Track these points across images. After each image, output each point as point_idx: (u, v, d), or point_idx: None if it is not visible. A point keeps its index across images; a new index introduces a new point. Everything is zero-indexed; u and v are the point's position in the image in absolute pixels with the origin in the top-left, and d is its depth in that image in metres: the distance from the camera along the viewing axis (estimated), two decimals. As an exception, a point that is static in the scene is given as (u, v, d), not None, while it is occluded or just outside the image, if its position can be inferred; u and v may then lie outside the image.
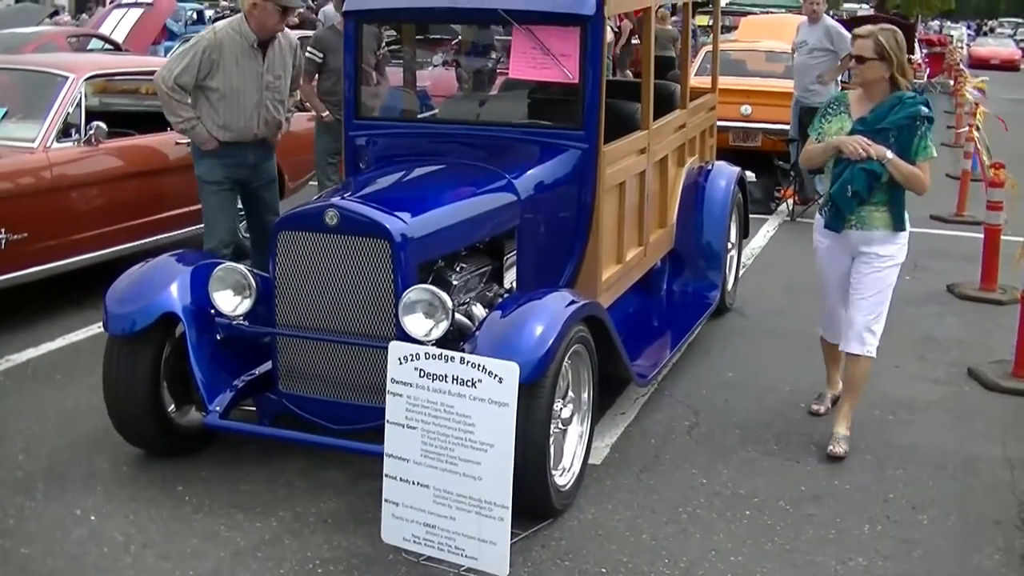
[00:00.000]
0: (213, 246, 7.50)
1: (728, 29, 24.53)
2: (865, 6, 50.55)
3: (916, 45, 27.08)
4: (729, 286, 8.64)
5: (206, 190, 7.65)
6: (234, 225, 7.86)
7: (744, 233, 9.22)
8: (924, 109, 5.90)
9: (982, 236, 9.79)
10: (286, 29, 7.86)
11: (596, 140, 6.26)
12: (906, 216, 6.03)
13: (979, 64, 44.72)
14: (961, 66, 28.64)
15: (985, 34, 64.36)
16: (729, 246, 8.56)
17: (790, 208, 12.74)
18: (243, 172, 7.69)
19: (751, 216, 9.51)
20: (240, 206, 8.08)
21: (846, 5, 50.55)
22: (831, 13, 41.39)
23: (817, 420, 6.61)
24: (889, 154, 5.81)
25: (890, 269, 6.09)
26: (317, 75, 9.98)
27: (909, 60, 19.71)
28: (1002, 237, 9.63)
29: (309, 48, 9.69)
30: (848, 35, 13.02)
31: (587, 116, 6.26)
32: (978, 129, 13.82)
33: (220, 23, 7.69)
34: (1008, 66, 47.88)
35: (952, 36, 43.53)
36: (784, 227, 12.27)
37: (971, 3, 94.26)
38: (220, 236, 7.62)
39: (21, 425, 6.22)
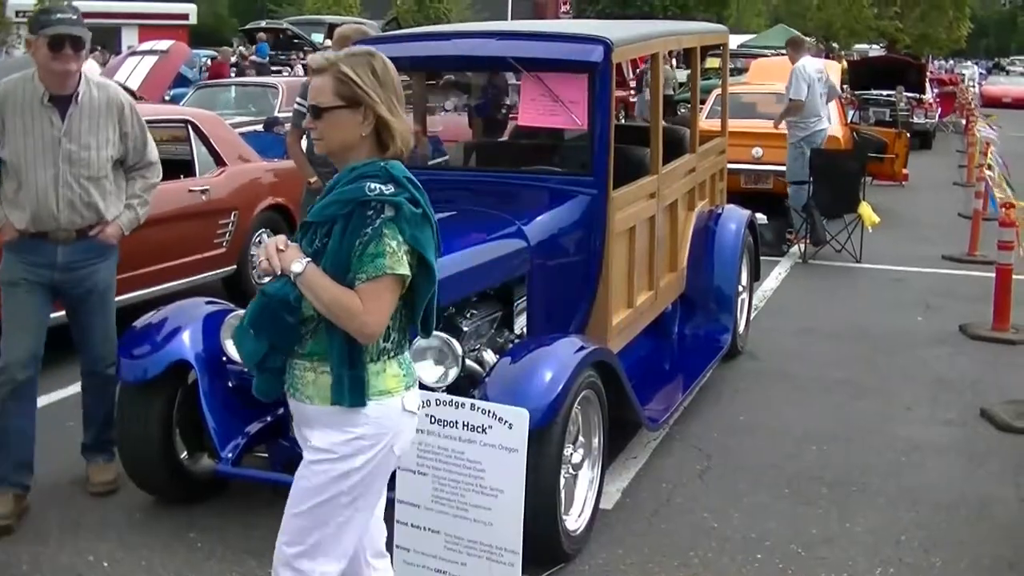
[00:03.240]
0: (2, 366, 5.69)
1: (739, 72, 24.61)
2: (876, 47, 50.74)
3: (927, 85, 27.13)
4: (740, 329, 8.65)
5: (3, 292, 5.82)
6: (34, 341, 5.76)
7: (755, 276, 9.24)
8: (380, 187, 3.47)
9: (994, 276, 9.79)
10: (113, 83, 6.04)
11: (605, 186, 6.30)
12: (372, 381, 3.52)
13: (991, 103, 44.71)
14: (973, 105, 28.73)
15: (997, 72, 64.48)
16: (740, 289, 8.59)
17: (802, 250, 12.76)
18: (49, 275, 5.71)
19: (763, 258, 9.53)
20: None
21: (857, 46, 50.70)
22: (843, 53, 41.54)
23: (829, 463, 6.59)
24: (296, 266, 3.44)
25: (332, 477, 3.54)
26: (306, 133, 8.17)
27: (920, 100, 19.91)
28: (1014, 277, 9.64)
29: (298, 99, 8.21)
30: (803, 73, 13.19)
31: (596, 162, 6.31)
32: (990, 168, 13.86)
33: (15, 75, 5.83)
34: (1020, 104, 47.83)
35: (964, 75, 43.64)
36: (796, 269, 12.28)
37: (982, 42, 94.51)
38: (12, 353, 5.68)
39: (34, 472, 6.23)
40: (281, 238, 3.55)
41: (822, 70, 13.48)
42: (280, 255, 3.46)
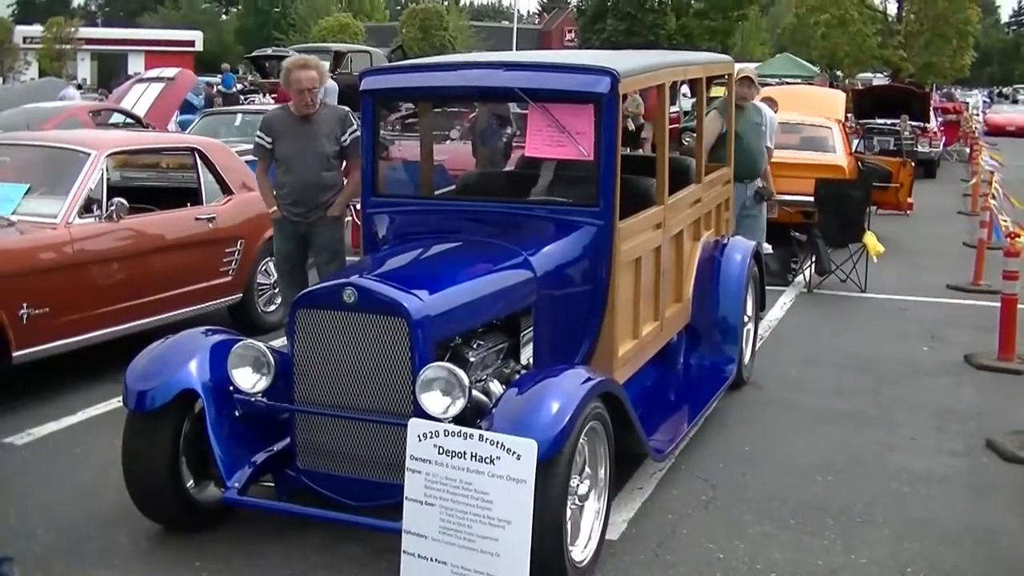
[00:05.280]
0: None
1: (744, 100, 24.62)
2: (880, 75, 50.84)
3: (931, 113, 27.18)
4: (746, 359, 8.63)
5: None
6: None
7: (761, 306, 9.25)
8: None
9: (999, 306, 9.79)
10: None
11: (612, 216, 6.31)
12: None
13: (996, 131, 44.66)
14: (977, 134, 28.77)
15: (1000, 101, 64.58)
16: (745, 319, 8.58)
17: (807, 279, 12.77)
18: None
19: (768, 288, 9.53)
20: None
21: (861, 75, 50.79)
22: (848, 82, 41.52)
23: (834, 494, 6.59)
24: None
25: None
26: (272, 162, 8.25)
27: (924, 129, 20.02)
28: (1020, 306, 9.63)
29: (258, 131, 8.37)
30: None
31: (602, 193, 6.32)
32: (994, 197, 13.88)
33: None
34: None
35: (967, 103, 43.66)
36: (801, 298, 12.27)
37: (986, 71, 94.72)
38: None
39: (40, 499, 6.25)
40: None
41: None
42: None
